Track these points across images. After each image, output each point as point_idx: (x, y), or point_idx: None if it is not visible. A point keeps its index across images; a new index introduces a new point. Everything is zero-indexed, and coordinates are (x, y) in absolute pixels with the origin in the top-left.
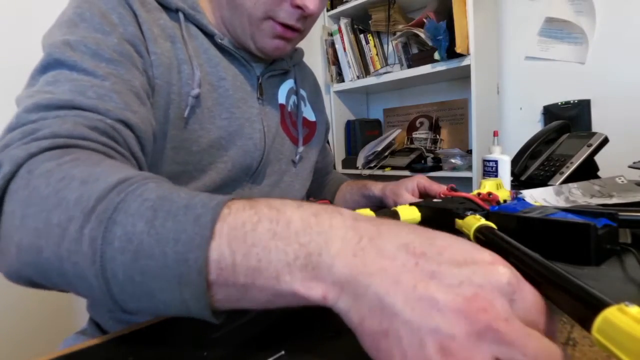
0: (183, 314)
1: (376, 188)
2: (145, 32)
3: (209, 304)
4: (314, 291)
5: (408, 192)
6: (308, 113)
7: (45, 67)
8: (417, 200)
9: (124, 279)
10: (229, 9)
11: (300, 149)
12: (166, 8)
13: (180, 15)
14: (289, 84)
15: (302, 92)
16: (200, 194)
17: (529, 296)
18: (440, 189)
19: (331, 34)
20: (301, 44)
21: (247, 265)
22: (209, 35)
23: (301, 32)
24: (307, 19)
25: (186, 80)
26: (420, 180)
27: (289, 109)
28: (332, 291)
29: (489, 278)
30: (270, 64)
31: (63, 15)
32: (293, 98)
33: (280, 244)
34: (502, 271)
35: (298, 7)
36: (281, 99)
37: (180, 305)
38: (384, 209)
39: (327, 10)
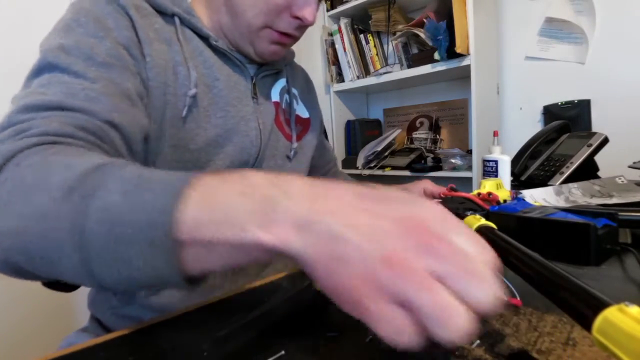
0: (157, 281)
1: None
2: (141, 36)
3: (179, 265)
4: (275, 236)
5: None
6: (301, 110)
7: (40, 69)
8: None
9: (101, 250)
10: (229, 16)
11: (294, 145)
12: (162, 13)
13: (176, 19)
14: (281, 83)
15: (294, 91)
16: (179, 173)
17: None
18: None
19: (331, 34)
20: (301, 44)
21: (214, 219)
22: (204, 38)
23: (295, 38)
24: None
25: (182, 81)
26: (428, 187)
27: (282, 106)
28: (290, 233)
29: (425, 209)
30: (263, 64)
31: (60, 22)
32: (286, 97)
33: (246, 198)
34: (437, 207)
35: (297, 17)
36: (275, 98)
37: (153, 271)
38: None
39: (327, 10)
